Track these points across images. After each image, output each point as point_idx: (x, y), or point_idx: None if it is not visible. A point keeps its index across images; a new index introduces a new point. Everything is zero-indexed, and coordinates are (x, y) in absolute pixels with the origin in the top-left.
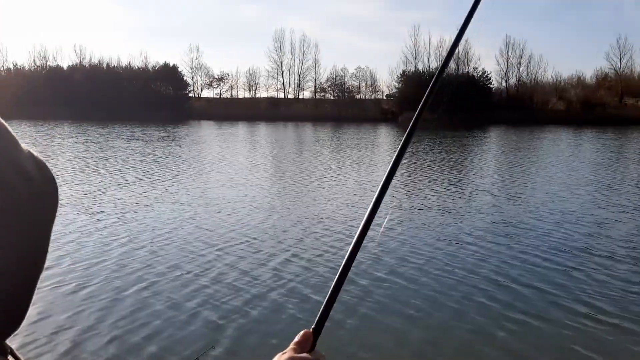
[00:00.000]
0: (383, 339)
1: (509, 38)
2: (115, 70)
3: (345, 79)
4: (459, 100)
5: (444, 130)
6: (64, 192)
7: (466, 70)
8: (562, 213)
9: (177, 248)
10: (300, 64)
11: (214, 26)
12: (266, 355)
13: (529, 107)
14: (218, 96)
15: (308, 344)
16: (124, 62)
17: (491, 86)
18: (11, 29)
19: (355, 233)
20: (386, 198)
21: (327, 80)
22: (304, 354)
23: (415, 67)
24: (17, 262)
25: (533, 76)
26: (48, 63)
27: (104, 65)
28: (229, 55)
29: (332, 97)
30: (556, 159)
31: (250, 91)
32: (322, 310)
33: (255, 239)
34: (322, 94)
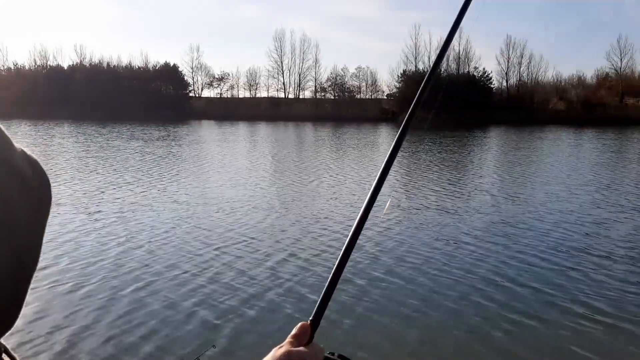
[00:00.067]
0: (380, 339)
1: (509, 38)
2: (115, 70)
3: (346, 79)
4: (459, 100)
5: (444, 130)
6: (63, 191)
7: (467, 70)
8: (561, 213)
9: (175, 248)
10: (301, 64)
11: (214, 26)
12: (264, 355)
13: (529, 107)
14: (218, 96)
15: (305, 337)
16: (124, 62)
17: (492, 86)
18: (11, 29)
19: (355, 219)
20: (384, 191)
21: (328, 80)
22: (300, 348)
23: (415, 67)
24: (10, 262)
25: (533, 76)
26: (48, 63)
27: (105, 65)
28: (229, 55)
29: (332, 97)
30: (556, 159)
31: (250, 91)
32: (320, 302)
33: (253, 238)
34: (323, 93)
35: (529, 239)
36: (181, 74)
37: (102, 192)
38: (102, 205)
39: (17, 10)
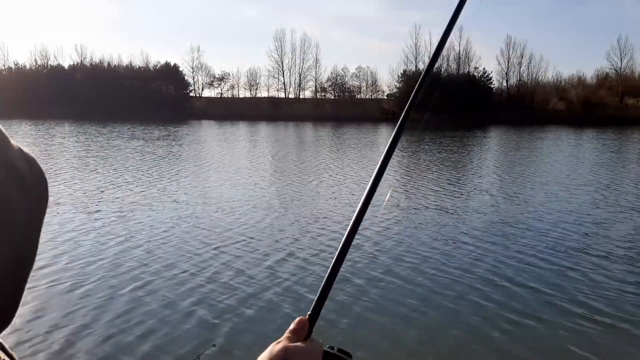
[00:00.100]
0: (379, 339)
1: (509, 38)
2: (116, 70)
3: (346, 79)
4: (459, 100)
5: (444, 130)
6: (62, 191)
7: (467, 70)
8: (560, 213)
9: (174, 247)
10: (301, 64)
11: (214, 26)
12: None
13: (529, 107)
14: (219, 96)
15: (304, 332)
16: (125, 62)
17: (492, 86)
18: (12, 29)
19: (355, 210)
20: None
21: (328, 80)
22: (298, 343)
23: (416, 66)
24: (10, 261)
25: (534, 76)
26: (49, 62)
27: (105, 64)
28: (229, 55)
29: (332, 97)
30: (555, 159)
31: (251, 91)
32: (319, 296)
33: (252, 238)
34: (323, 93)
35: (527, 238)
36: (182, 73)
37: (102, 191)
38: (102, 205)
39: (18, 10)
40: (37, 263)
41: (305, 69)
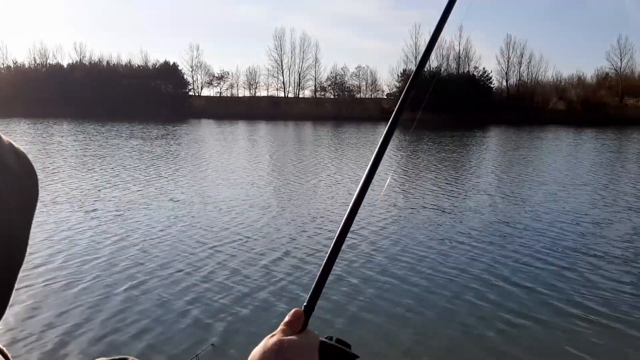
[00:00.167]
0: (374, 338)
1: (509, 37)
2: (115, 68)
3: (346, 78)
4: (459, 99)
5: (444, 130)
6: (60, 189)
7: (467, 69)
8: (558, 213)
9: (170, 246)
10: (301, 63)
11: (214, 24)
12: None
13: (529, 107)
14: (218, 95)
15: (299, 324)
16: (124, 60)
17: (492, 86)
18: (11, 27)
19: (350, 202)
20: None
21: (328, 79)
22: (293, 336)
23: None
24: (2, 258)
25: (533, 76)
26: (48, 61)
27: (104, 63)
28: (229, 54)
29: (332, 96)
30: (554, 158)
31: (250, 90)
32: (314, 287)
33: (248, 237)
34: (323, 93)
35: (525, 238)
36: (181, 72)
37: (99, 190)
38: (99, 204)
39: (17, 9)
40: (33, 261)
41: (305, 68)
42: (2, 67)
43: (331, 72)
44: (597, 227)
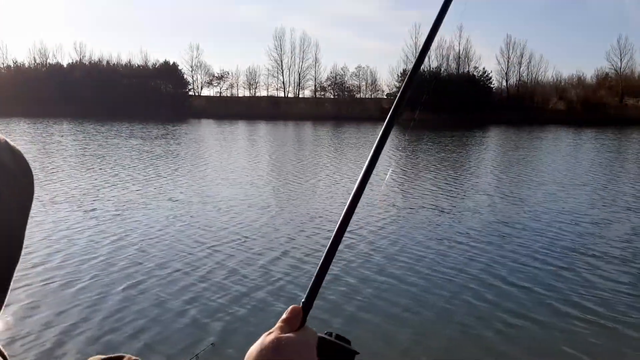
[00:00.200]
0: (372, 338)
1: (509, 37)
2: (115, 68)
3: (346, 78)
4: (459, 99)
5: (444, 130)
6: (59, 189)
7: (467, 69)
8: (557, 213)
9: (169, 246)
10: (301, 63)
11: (214, 24)
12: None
13: (529, 107)
14: (218, 94)
15: (297, 321)
16: (124, 60)
17: (491, 86)
18: (12, 28)
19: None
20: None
21: (328, 79)
22: (290, 334)
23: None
24: (1, 256)
25: (533, 76)
26: (48, 60)
27: (104, 62)
28: (229, 54)
29: (332, 96)
30: (554, 158)
31: (250, 90)
32: (313, 283)
33: (246, 237)
34: (322, 93)
35: (523, 238)
36: (181, 72)
37: (98, 190)
38: (98, 203)
39: (17, 9)
40: (32, 261)
41: (305, 68)
42: (2, 66)
43: (331, 72)
44: (595, 227)
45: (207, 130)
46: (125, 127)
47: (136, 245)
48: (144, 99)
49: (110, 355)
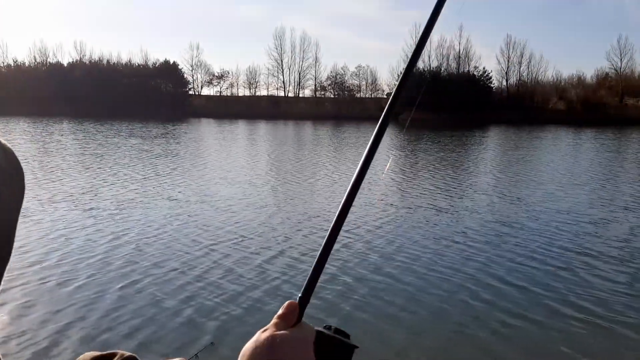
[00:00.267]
0: (368, 338)
1: (509, 37)
2: (115, 67)
3: (346, 78)
4: (459, 99)
5: (444, 130)
6: (57, 188)
7: (467, 69)
8: (555, 213)
9: (166, 245)
10: (301, 62)
11: (214, 24)
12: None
13: (529, 107)
14: (218, 94)
15: (294, 316)
16: (124, 59)
17: (492, 85)
18: (12, 27)
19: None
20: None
21: (328, 78)
22: (286, 331)
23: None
24: None
25: (533, 75)
26: (48, 59)
27: (104, 61)
28: (229, 53)
29: (332, 96)
30: (553, 158)
31: (250, 89)
32: (310, 277)
33: (244, 236)
34: (323, 92)
35: (521, 238)
36: (181, 71)
37: (97, 189)
38: (96, 202)
39: (18, 8)
40: (29, 259)
41: (305, 68)
42: (2, 65)
43: (331, 72)
44: (593, 226)
45: (207, 129)
46: (125, 126)
47: (133, 244)
48: (144, 98)
49: (102, 353)
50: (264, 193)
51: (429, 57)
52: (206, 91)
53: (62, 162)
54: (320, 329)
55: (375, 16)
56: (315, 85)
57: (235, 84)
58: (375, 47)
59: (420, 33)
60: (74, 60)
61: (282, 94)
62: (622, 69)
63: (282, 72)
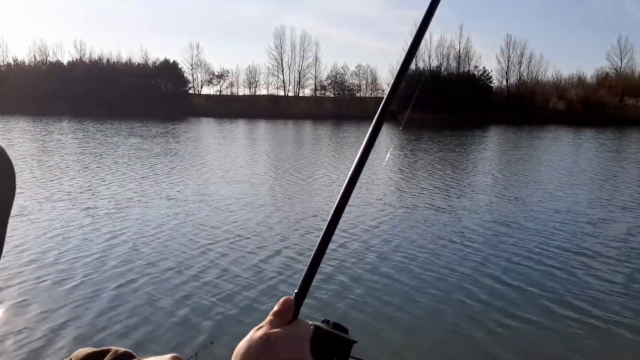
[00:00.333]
0: (364, 338)
1: (509, 37)
2: (115, 66)
3: (346, 77)
4: (459, 99)
5: (444, 129)
6: (55, 187)
7: (467, 69)
8: (553, 212)
9: (163, 244)
10: (301, 62)
11: (214, 23)
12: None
13: (529, 107)
14: (218, 93)
15: (289, 313)
16: (124, 58)
17: (492, 85)
18: (12, 26)
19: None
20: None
21: (328, 78)
22: (280, 329)
23: (416, 65)
24: None
25: (534, 75)
26: (48, 58)
27: (104, 61)
28: (229, 53)
29: (332, 95)
30: (552, 158)
31: (250, 88)
32: (306, 273)
33: (241, 236)
34: (323, 91)
35: (519, 238)
36: (181, 70)
37: (95, 188)
38: (94, 201)
39: (18, 7)
40: (26, 258)
41: (305, 67)
42: (2, 64)
43: (331, 71)
44: (591, 226)
45: (207, 129)
46: (125, 125)
47: (130, 243)
48: (144, 98)
49: (95, 349)
50: (262, 192)
51: (429, 57)
52: (206, 90)
53: (61, 161)
54: (318, 323)
55: (376, 16)
56: (315, 84)
57: (235, 83)
58: (375, 47)
59: (415, 33)
60: (74, 59)
61: (282, 93)
62: (622, 69)
63: (282, 71)
